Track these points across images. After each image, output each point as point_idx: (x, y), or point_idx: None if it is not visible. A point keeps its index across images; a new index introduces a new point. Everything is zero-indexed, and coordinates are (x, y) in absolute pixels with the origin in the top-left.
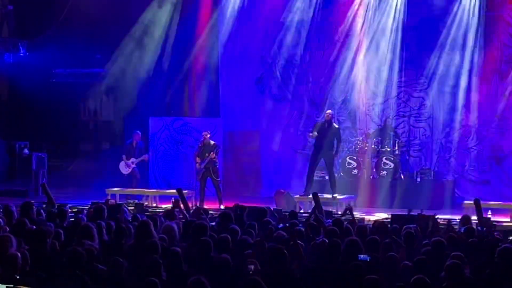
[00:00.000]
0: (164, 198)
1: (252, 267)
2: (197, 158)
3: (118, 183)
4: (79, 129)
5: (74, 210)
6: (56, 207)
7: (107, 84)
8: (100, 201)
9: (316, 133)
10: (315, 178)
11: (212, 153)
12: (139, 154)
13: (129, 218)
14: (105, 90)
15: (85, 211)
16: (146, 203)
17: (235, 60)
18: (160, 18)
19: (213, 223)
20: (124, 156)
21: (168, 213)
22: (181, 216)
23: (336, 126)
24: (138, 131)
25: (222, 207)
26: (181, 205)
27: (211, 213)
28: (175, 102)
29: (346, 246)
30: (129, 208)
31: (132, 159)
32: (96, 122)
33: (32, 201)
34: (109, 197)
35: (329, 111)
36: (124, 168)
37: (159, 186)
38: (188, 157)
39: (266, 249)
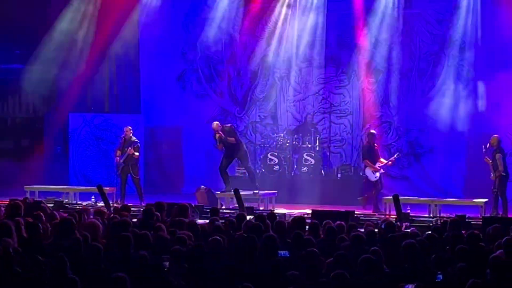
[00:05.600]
0: (84, 195)
1: (167, 263)
2: (118, 152)
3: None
4: None
5: None
6: None
7: (27, 80)
8: (19, 198)
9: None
10: (237, 174)
11: (130, 148)
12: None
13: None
14: (24, 86)
15: (2, 209)
16: (65, 200)
17: (156, 56)
18: (79, 14)
19: (135, 220)
20: (367, 161)
21: (97, 211)
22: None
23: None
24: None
25: (143, 204)
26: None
27: (133, 210)
28: (95, 99)
29: (263, 242)
30: (48, 205)
31: (378, 164)
32: (15, 118)
33: None
34: (27, 195)
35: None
36: (373, 175)
37: (80, 183)
38: (109, 153)
39: (187, 246)
